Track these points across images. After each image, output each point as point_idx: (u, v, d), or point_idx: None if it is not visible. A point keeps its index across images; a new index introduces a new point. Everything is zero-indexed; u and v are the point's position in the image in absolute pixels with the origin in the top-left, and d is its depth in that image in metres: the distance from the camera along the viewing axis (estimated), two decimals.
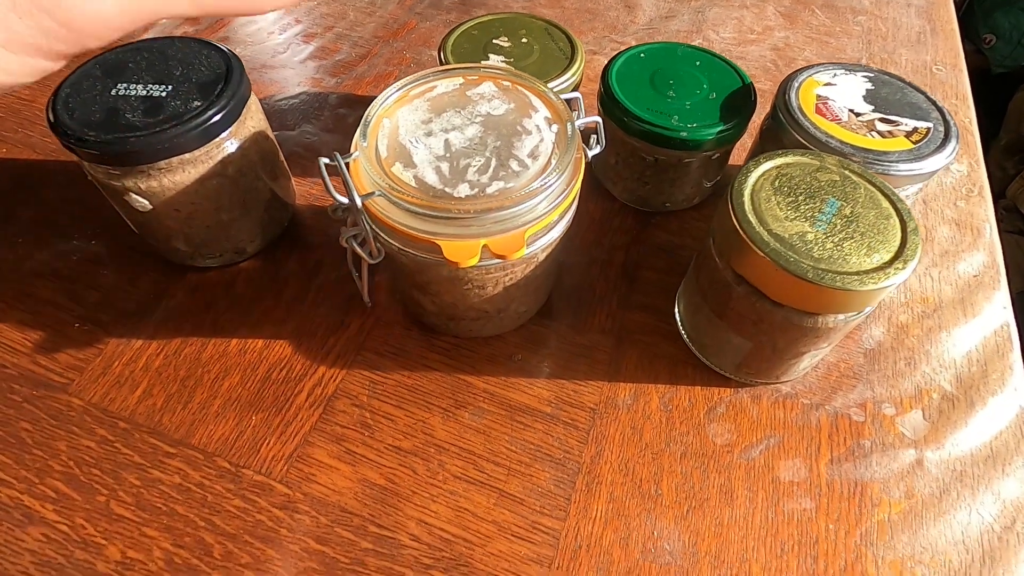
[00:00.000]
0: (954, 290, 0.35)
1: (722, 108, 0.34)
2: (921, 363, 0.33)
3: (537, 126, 0.27)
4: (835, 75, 0.34)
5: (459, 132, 0.27)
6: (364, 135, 0.26)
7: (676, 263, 0.36)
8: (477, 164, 0.25)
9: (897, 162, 0.29)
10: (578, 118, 0.28)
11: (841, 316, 0.26)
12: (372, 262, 0.27)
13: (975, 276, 0.36)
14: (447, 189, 0.25)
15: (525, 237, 0.25)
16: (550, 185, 0.25)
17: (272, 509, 0.27)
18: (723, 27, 0.53)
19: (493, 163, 0.26)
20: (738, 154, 0.40)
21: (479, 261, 0.24)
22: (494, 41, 0.36)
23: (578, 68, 0.35)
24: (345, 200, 0.24)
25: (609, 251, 0.37)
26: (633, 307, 0.35)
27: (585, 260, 0.37)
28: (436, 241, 0.24)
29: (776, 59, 0.50)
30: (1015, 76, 1.49)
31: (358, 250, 0.27)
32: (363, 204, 0.24)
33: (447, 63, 0.34)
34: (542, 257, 0.28)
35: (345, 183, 0.24)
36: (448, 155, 0.26)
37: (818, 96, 0.32)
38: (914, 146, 0.30)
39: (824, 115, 0.31)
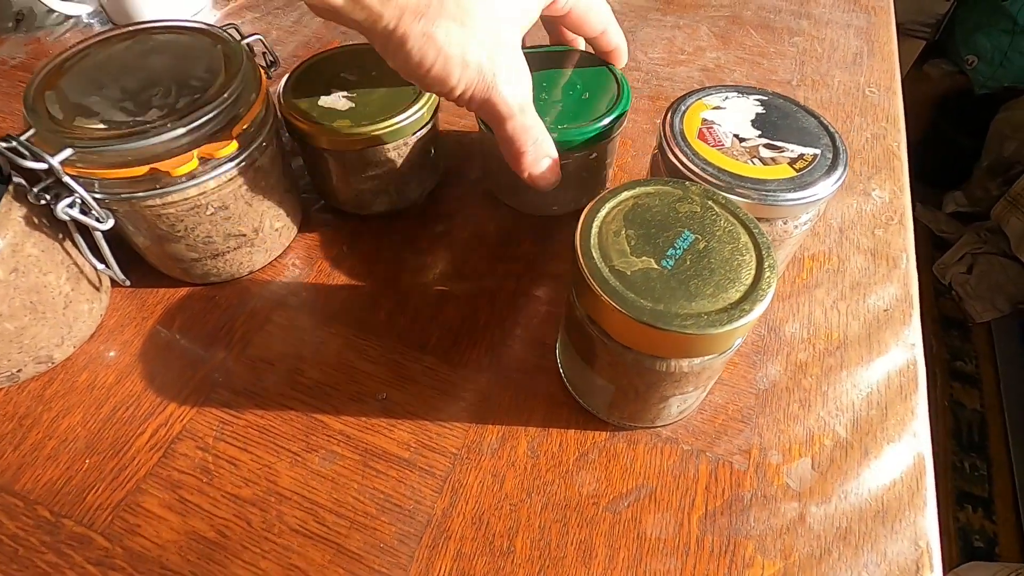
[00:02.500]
0: (861, 325, 0.33)
1: (595, 108, 0.33)
2: (816, 406, 0.30)
3: (204, 51, 0.30)
4: (726, 98, 0.32)
5: (131, 78, 0.29)
6: (31, 109, 0.27)
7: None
8: (159, 92, 0.28)
9: (776, 191, 0.27)
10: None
11: (696, 360, 0.24)
12: (102, 227, 0.27)
13: (885, 311, 0.34)
14: (138, 118, 0.26)
15: (234, 135, 0.28)
16: (234, 87, 0.28)
17: (86, 566, 0.25)
18: (652, 47, 0.52)
19: (174, 88, 0.28)
20: None
21: (198, 167, 0.27)
22: (341, 74, 0.34)
23: (427, 101, 0.33)
24: (42, 164, 0.25)
25: (500, 279, 0.35)
26: (516, 340, 0.32)
27: (474, 288, 0.35)
28: (153, 167, 0.26)
29: (704, 79, 0.49)
30: (997, 97, 1.48)
31: (82, 219, 0.27)
32: (61, 165, 0.25)
33: (288, 101, 0.33)
34: (265, 161, 0.31)
35: (31, 152, 0.25)
36: (128, 96, 0.28)
37: (703, 120, 0.30)
38: (797, 174, 0.28)
39: (706, 140, 0.29)
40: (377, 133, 0.32)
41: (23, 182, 0.26)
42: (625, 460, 0.28)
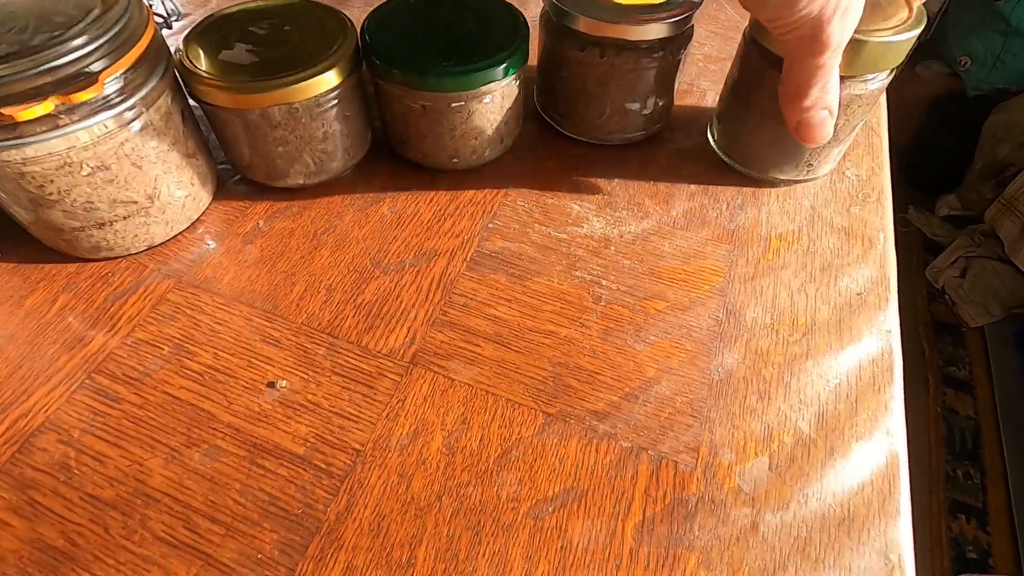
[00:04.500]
0: (831, 310, 0.30)
1: (487, 46, 0.31)
2: (777, 398, 0.26)
3: None
4: None
5: None
6: None
7: (509, 265, 0.31)
8: (14, 28, 0.24)
9: (648, 14, 0.31)
10: None
11: None
12: None
13: (859, 294, 0.30)
14: None
15: (101, 79, 0.24)
16: (106, 25, 0.24)
17: None
18: None
19: (33, 23, 0.24)
20: None
21: (53, 111, 0.23)
22: (250, 28, 0.31)
23: (342, 55, 0.29)
24: None
25: (429, 257, 0.31)
26: (441, 325, 0.29)
27: (397, 268, 0.31)
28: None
29: None
30: (991, 99, 1.45)
31: None
32: None
33: (185, 54, 0.29)
34: (155, 118, 0.27)
35: None
36: None
37: None
38: (664, 1, 0.31)
39: None
40: (281, 90, 0.28)
41: None
42: (554, 458, 0.25)
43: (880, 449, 0.25)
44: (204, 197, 0.32)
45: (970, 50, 1.44)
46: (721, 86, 0.42)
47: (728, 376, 0.27)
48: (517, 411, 0.26)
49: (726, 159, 0.36)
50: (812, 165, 0.34)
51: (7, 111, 0.22)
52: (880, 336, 0.29)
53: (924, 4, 0.29)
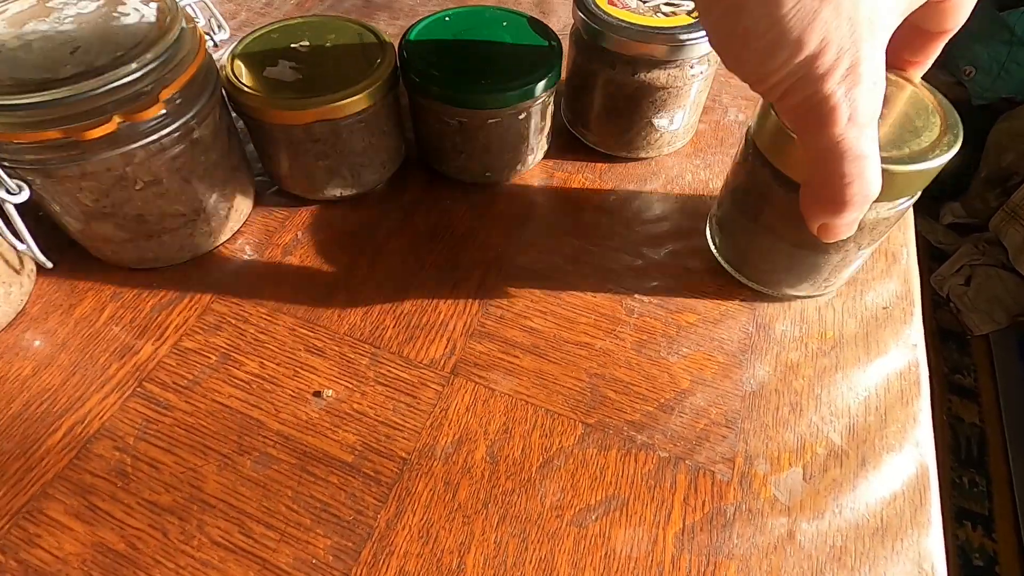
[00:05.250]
0: (858, 324, 0.30)
1: (522, 64, 0.32)
2: (808, 410, 0.27)
3: (135, 8, 0.27)
4: None
5: (49, 34, 0.25)
6: None
7: (543, 278, 0.31)
8: (79, 49, 0.24)
9: (680, 34, 0.31)
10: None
11: None
12: (14, 199, 0.25)
13: (885, 308, 0.31)
14: (49, 76, 0.23)
15: (161, 98, 0.25)
16: (165, 46, 0.25)
17: None
18: None
19: (96, 44, 0.25)
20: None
21: (117, 130, 0.24)
22: (292, 45, 0.32)
23: (383, 74, 0.30)
24: None
25: (465, 270, 0.32)
26: (480, 336, 0.29)
27: (434, 280, 0.32)
28: (64, 129, 0.23)
29: None
30: (995, 108, 1.46)
31: None
32: None
33: (231, 70, 0.30)
34: (205, 133, 0.28)
35: None
36: (42, 53, 0.24)
37: None
38: (694, 20, 0.32)
39: (616, 5, 0.33)
40: (325, 107, 0.29)
41: None
42: (595, 468, 0.25)
43: (910, 460, 0.26)
44: (245, 209, 0.33)
45: (975, 59, 1.46)
46: (741, 100, 0.43)
47: (760, 388, 0.28)
48: (557, 421, 0.27)
49: (729, 270, 0.32)
50: (830, 282, 0.30)
51: (75, 130, 0.23)
52: (907, 349, 0.29)
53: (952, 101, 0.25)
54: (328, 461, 0.25)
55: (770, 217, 0.28)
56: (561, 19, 0.50)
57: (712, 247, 0.33)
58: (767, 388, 0.28)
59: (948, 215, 1.51)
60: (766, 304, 0.31)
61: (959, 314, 1.34)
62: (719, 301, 0.31)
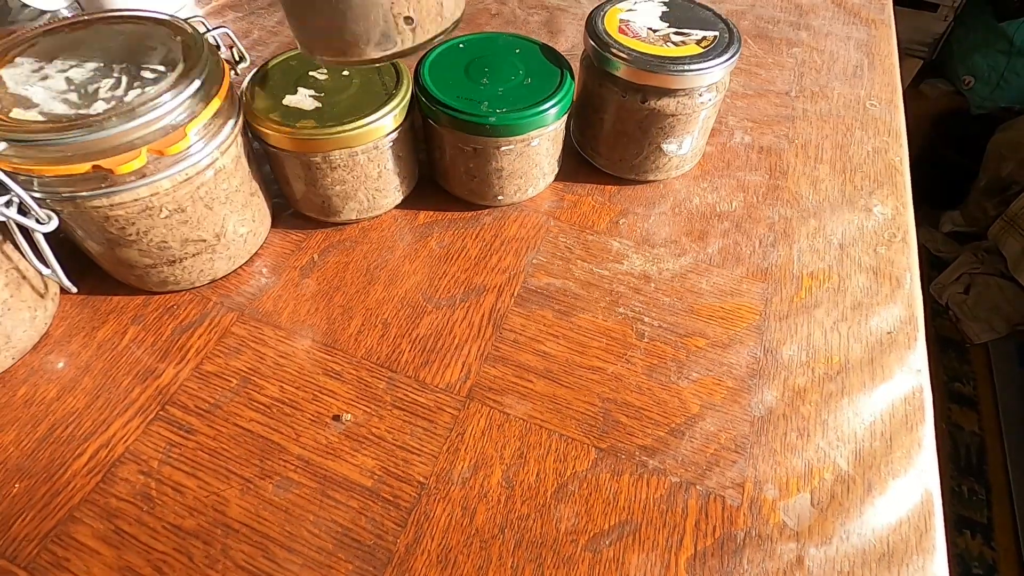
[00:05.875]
0: (864, 349, 0.31)
1: (535, 92, 0.33)
2: (816, 435, 0.28)
3: (162, 43, 0.28)
4: (636, 3, 0.37)
5: (79, 68, 0.26)
6: None
7: (554, 301, 0.32)
8: (108, 84, 0.26)
9: (690, 64, 0.32)
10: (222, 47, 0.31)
11: None
12: (43, 229, 0.25)
13: (889, 333, 0.32)
14: (81, 112, 0.24)
15: (187, 132, 0.25)
16: (191, 80, 0.26)
17: None
18: None
19: (125, 80, 0.26)
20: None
21: (147, 164, 0.25)
22: (310, 73, 0.32)
23: (400, 102, 0.31)
24: None
25: (479, 292, 0.33)
26: (494, 360, 0.30)
27: (450, 303, 0.32)
28: (96, 164, 0.24)
29: None
30: (994, 117, 1.47)
31: (21, 220, 0.24)
32: None
33: (251, 99, 0.31)
34: (227, 162, 0.28)
35: None
36: (73, 88, 0.25)
37: (620, 20, 0.35)
38: (703, 50, 0.33)
39: (626, 34, 0.34)
40: (344, 135, 0.30)
41: None
42: (608, 493, 0.26)
43: (915, 486, 0.26)
44: (262, 232, 0.34)
45: (974, 69, 1.47)
46: (747, 122, 0.43)
47: (768, 413, 0.29)
48: (571, 446, 0.27)
49: None
50: (412, 20, 0.26)
51: (106, 164, 0.24)
52: (911, 375, 0.30)
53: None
54: (348, 485, 0.26)
55: None
56: (569, 39, 0.51)
57: None
58: (775, 413, 0.29)
59: (947, 224, 1.52)
60: (773, 327, 0.32)
61: (958, 322, 1.35)
62: (728, 325, 0.32)
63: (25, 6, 0.51)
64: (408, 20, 0.26)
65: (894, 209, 0.38)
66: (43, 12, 0.52)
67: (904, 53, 1.50)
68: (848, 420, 0.28)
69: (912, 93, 1.51)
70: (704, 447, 0.27)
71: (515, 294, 0.33)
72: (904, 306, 0.33)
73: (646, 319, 0.32)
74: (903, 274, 0.35)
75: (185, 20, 0.29)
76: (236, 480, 0.26)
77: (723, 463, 0.27)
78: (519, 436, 0.28)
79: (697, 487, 0.26)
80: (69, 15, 0.51)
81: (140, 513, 0.25)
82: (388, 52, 0.27)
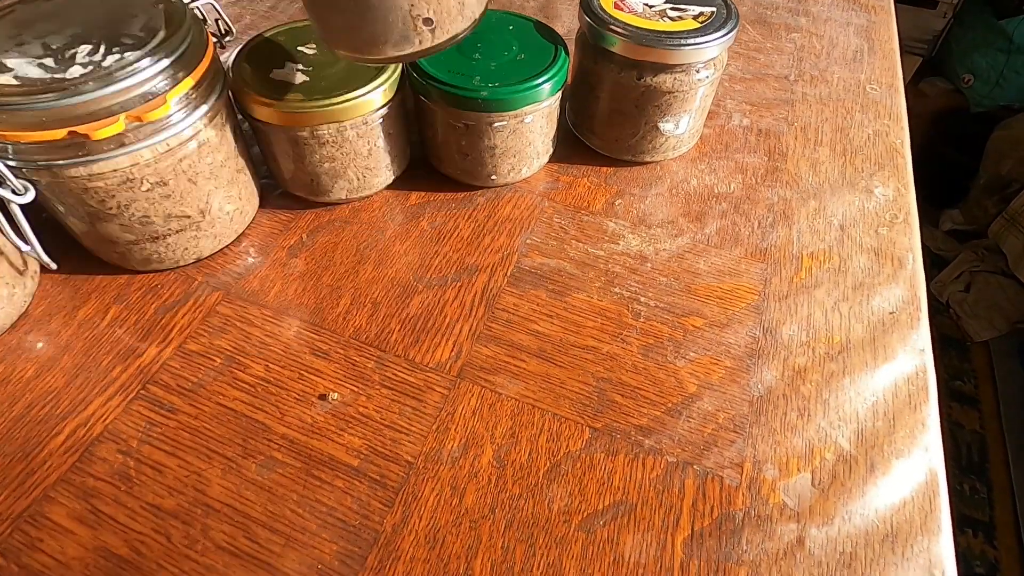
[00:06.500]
0: (865, 328, 0.30)
1: (529, 68, 0.32)
2: (817, 415, 0.27)
3: (142, 10, 0.27)
4: None
5: (57, 35, 0.25)
6: None
7: (549, 281, 0.31)
8: (86, 50, 0.25)
9: (686, 38, 0.32)
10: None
11: None
12: (20, 200, 0.25)
13: (891, 313, 0.31)
14: (57, 76, 0.23)
15: (168, 99, 0.25)
16: (172, 47, 0.25)
17: None
18: None
19: (104, 46, 0.25)
20: None
21: (124, 130, 0.24)
22: (299, 48, 0.32)
23: (390, 77, 0.31)
24: None
25: (471, 272, 0.32)
26: (486, 339, 0.29)
27: (440, 282, 0.32)
28: (72, 129, 0.23)
29: None
30: (994, 115, 1.47)
31: None
32: None
33: (237, 72, 0.30)
34: (211, 135, 0.28)
35: None
36: (49, 53, 0.25)
37: None
38: (700, 25, 0.33)
39: (622, 9, 0.33)
40: (331, 109, 0.29)
41: None
42: (602, 472, 0.25)
43: (919, 466, 0.26)
44: (250, 211, 0.33)
45: (973, 67, 1.46)
46: (746, 105, 0.43)
47: (768, 393, 0.28)
48: (564, 425, 0.26)
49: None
50: (431, 22, 0.26)
51: (82, 129, 0.23)
52: (914, 355, 0.29)
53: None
54: (334, 465, 0.25)
55: None
56: (566, 23, 0.50)
57: None
58: (775, 393, 0.28)
59: (947, 222, 1.51)
60: (773, 307, 0.31)
61: (959, 320, 1.34)
62: (726, 305, 0.31)
63: None
64: (428, 21, 0.25)
65: (895, 191, 0.37)
66: None
67: (903, 50, 1.50)
68: (850, 400, 0.28)
69: (911, 91, 1.50)
70: (702, 427, 0.27)
71: (508, 274, 0.32)
72: (907, 286, 0.32)
73: (642, 299, 0.31)
74: (905, 254, 0.34)
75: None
76: (218, 460, 0.25)
77: (721, 443, 0.26)
78: (511, 416, 0.27)
79: (694, 467, 0.25)
80: None
81: (118, 493, 0.24)
82: (406, 52, 0.26)
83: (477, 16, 0.27)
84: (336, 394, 0.27)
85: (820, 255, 0.34)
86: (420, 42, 0.26)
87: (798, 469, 0.25)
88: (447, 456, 0.25)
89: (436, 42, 0.26)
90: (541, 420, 0.27)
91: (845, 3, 0.55)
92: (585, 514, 0.24)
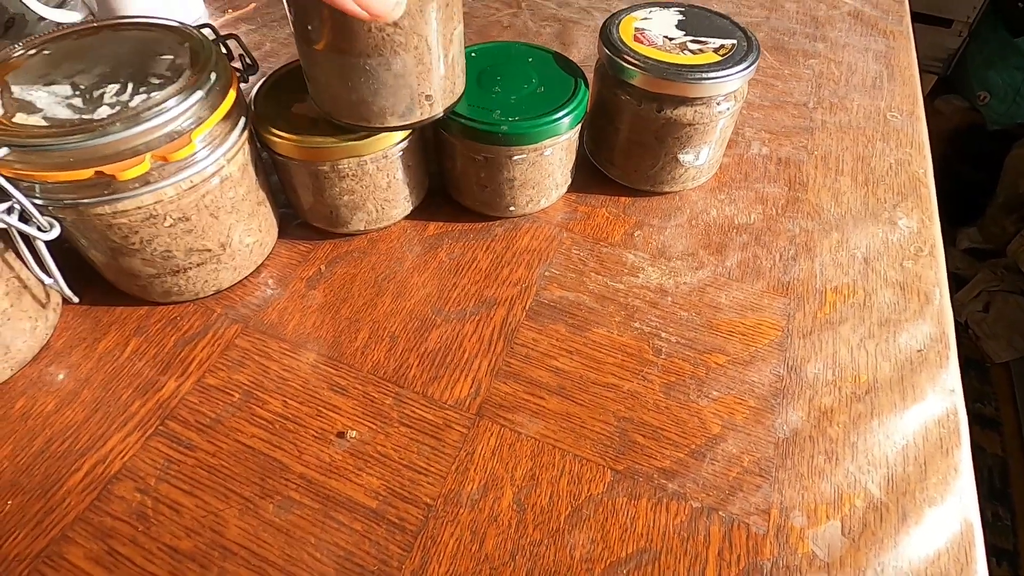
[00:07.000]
0: (893, 367, 0.30)
1: (548, 101, 0.32)
2: (845, 459, 0.26)
3: (170, 48, 0.27)
4: (651, 11, 0.36)
5: (85, 74, 0.26)
6: None
7: (568, 315, 0.31)
8: (113, 89, 0.25)
9: (707, 72, 0.32)
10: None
11: None
12: (45, 236, 0.25)
13: (919, 351, 0.30)
14: (85, 116, 0.24)
15: (193, 138, 0.25)
16: (198, 86, 0.25)
17: None
18: None
19: (131, 85, 0.25)
20: None
21: (150, 171, 0.24)
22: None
23: None
24: None
25: (490, 306, 0.32)
26: (505, 376, 0.29)
27: (460, 316, 0.31)
28: (98, 170, 0.23)
29: None
30: (1011, 133, 1.46)
31: (22, 227, 0.24)
32: None
33: (258, 106, 0.31)
34: (233, 170, 0.28)
35: None
36: (78, 93, 0.25)
37: (636, 28, 0.35)
38: (721, 59, 0.32)
39: (642, 42, 0.33)
40: (352, 144, 0.29)
41: None
42: (625, 518, 0.25)
43: (953, 515, 0.25)
44: (269, 242, 0.33)
45: (989, 85, 1.45)
46: (765, 133, 0.42)
47: (794, 435, 0.27)
48: (585, 467, 0.26)
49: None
50: (432, 98, 0.28)
51: (109, 170, 0.23)
52: (944, 395, 0.29)
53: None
54: (352, 506, 0.25)
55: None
56: (582, 50, 0.50)
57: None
58: (801, 435, 0.27)
59: (965, 240, 1.49)
60: (797, 344, 0.30)
61: (978, 341, 1.32)
62: (749, 341, 0.30)
63: (41, 19, 0.51)
64: (428, 97, 0.29)
65: (920, 222, 0.37)
66: (59, 25, 0.53)
67: (919, 69, 1.50)
68: (879, 443, 0.27)
69: (927, 109, 1.50)
70: (726, 470, 0.26)
71: (527, 307, 0.32)
72: (934, 323, 0.31)
73: (663, 334, 0.31)
74: (932, 289, 0.33)
75: (195, 27, 0.29)
76: (235, 499, 0.25)
77: (747, 487, 0.25)
78: (531, 456, 0.26)
79: (720, 513, 0.25)
80: None
81: (135, 533, 0.24)
82: (407, 122, 0.29)
83: (461, 92, 0.31)
84: (355, 432, 0.27)
85: (844, 289, 0.33)
86: (420, 114, 0.29)
87: (827, 516, 0.25)
88: (466, 498, 0.25)
89: (432, 114, 0.29)
90: (562, 461, 0.26)
91: (863, 28, 0.55)
92: (608, 562, 0.23)
